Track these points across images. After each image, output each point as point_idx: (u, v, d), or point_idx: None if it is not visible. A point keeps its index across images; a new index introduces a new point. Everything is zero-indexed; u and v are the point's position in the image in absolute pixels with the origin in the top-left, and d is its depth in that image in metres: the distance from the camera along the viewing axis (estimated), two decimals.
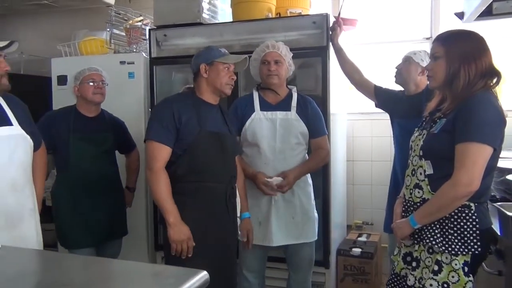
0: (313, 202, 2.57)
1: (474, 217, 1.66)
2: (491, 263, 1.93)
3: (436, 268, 1.69)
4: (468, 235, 1.66)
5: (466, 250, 1.66)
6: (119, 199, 2.83)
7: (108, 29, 3.51)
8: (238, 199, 2.29)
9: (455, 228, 1.68)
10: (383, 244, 3.49)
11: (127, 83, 3.29)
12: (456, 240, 1.67)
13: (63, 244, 2.70)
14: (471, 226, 1.66)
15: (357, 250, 3.09)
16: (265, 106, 2.48)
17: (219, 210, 2.14)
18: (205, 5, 3.16)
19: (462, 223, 1.67)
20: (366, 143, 3.68)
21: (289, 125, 2.45)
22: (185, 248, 2.02)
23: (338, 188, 3.25)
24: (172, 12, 3.16)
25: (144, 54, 3.35)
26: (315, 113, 2.52)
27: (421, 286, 1.73)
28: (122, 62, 3.30)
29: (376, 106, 2.83)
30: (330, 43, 2.86)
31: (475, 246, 1.65)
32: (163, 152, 2.05)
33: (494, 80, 1.71)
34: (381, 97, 2.76)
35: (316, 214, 2.56)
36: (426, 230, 1.74)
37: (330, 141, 2.87)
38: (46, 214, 2.46)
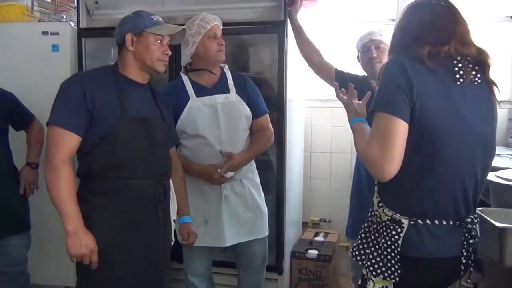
0: (263, 194, 2.30)
1: (397, 237, 1.35)
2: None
3: (360, 282, 1.51)
4: (389, 258, 1.38)
5: (385, 274, 1.38)
6: (12, 190, 2.33)
7: None
8: (173, 199, 1.91)
9: (376, 246, 1.42)
10: (342, 243, 3.22)
11: (50, 57, 2.79)
12: (376, 260, 1.41)
13: None
14: (393, 247, 1.36)
15: (313, 253, 2.78)
16: (200, 91, 2.15)
17: (146, 213, 1.74)
18: None
19: (383, 241, 1.39)
20: (325, 133, 3.36)
21: (232, 109, 2.15)
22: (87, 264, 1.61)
23: (294, 182, 2.93)
24: None
25: (72, 24, 2.85)
26: (254, 91, 2.26)
27: None
28: (44, 33, 2.79)
29: None
30: (288, 19, 2.50)
31: (391, 275, 1.37)
32: (68, 141, 1.62)
33: None
34: (343, 82, 2.43)
35: (266, 207, 2.30)
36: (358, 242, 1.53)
37: (286, 130, 2.58)
38: None
